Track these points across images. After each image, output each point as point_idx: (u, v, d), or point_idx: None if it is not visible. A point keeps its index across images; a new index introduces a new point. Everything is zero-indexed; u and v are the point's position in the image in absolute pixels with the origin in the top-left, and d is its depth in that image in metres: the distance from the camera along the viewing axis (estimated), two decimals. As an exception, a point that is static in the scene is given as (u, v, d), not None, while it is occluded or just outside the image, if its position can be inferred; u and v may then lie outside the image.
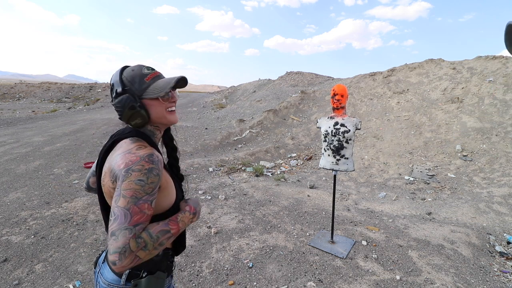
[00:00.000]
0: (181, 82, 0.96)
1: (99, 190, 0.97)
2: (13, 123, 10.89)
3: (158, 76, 0.96)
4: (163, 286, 0.98)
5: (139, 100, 0.91)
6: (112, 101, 0.95)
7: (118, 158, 0.85)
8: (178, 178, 1.11)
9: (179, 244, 1.07)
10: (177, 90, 1.04)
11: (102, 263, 1.00)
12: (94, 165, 1.12)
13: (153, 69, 0.97)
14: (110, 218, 0.78)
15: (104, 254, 1.04)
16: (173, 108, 0.99)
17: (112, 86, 0.94)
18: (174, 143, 1.14)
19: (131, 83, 0.92)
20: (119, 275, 0.92)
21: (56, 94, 23.21)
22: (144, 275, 0.92)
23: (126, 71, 0.95)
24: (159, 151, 0.97)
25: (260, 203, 4.17)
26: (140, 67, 0.95)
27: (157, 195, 0.87)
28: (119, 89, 0.91)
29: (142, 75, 0.93)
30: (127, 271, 0.91)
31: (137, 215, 0.77)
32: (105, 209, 0.96)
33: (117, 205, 0.78)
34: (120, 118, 0.94)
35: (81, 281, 2.39)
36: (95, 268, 1.04)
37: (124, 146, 0.89)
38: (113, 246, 0.74)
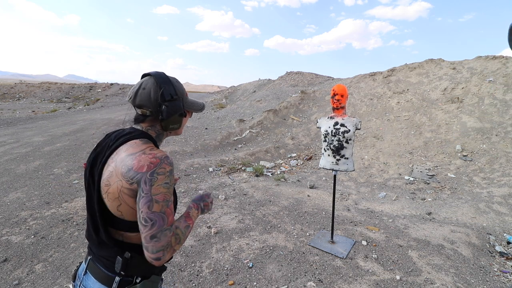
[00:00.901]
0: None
1: (90, 189, 0.93)
2: (13, 123, 10.89)
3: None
4: None
5: (185, 110, 1.04)
6: (160, 101, 0.96)
7: (130, 159, 0.85)
8: None
9: None
10: None
11: (84, 274, 0.96)
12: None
13: None
14: (142, 223, 0.81)
15: (83, 266, 0.99)
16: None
17: (160, 87, 0.96)
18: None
19: (181, 93, 1.03)
20: (108, 283, 0.90)
21: (56, 94, 23.21)
22: (137, 281, 0.91)
23: (173, 79, 1.02)
24: None
25: (260, 203, 4.17)
26: (178, 81, 1.07)
27: None
28: (174, 95, 0.99)
29: (184, 90, 1.06)
30: (118, 279, 0.90)
31: (171, 215, 0.85)
32: (100, 209, 0.90)
33: (152, 211, 0.81)
34: (161, 119, 0.97)
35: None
36: (73, 281, 0.99)
37: (135, 147, 0.89)
38: (156, 246, 0.80)
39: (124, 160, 0.86)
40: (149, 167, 0.83)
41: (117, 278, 0.89)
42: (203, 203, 1.09)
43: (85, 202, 3.87)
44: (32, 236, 3.05)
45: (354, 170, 2.99)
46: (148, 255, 0.80)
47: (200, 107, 1.12)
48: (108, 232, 0.91)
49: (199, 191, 4.56)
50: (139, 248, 0.88)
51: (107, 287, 0.90)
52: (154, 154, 0.86)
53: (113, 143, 0.93)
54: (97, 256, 0.94)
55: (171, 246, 0.83)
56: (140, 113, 0.99)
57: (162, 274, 1.07)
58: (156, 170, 0.83)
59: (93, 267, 0.94)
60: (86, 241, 3.05)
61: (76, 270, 1.01)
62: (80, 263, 1.02)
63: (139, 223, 0.82)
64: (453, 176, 5.47)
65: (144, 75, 1.02)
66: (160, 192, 0.82)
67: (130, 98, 0.99)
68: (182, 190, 4.59)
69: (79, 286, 0.95)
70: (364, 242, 3.11)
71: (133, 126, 1.01)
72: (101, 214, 0.90)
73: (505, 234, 3.49)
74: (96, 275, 0.92)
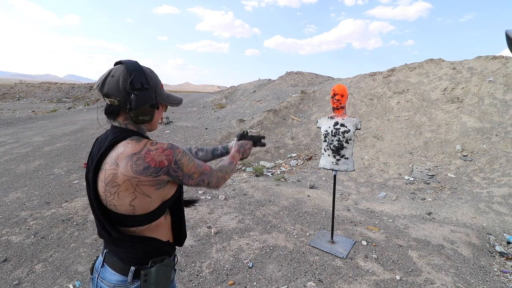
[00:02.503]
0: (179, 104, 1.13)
1: (92, 190, 0.93)
2: (13, 123, 10.90)
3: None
4: (171, 275, 0.99)
5: (157, 101, 0.97)
6: (129, 89, 0.89)
7: (140, 158, 0.86)
8: None
9: (177, 234, 1.08)
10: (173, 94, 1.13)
11: (101, 267, 0.99)
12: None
13: None
14: (201, 184, 1.02)
15: (100, 258, 1.02)
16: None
17: (130, 75, 0.89)
18: None
19: (154, 83, 0.96)
20: (125, 273, 0.93)
21: (56, 94, 23.22)
22: (153, 265, 0.93)
23: (146, 69, 0.95)
24: None
25: (260, 203, 4.17)
26: (153, 72, 1.00)
27: (167, 184, 0.95)
28: (146, 84, 0.91)
29: (159, 81, 1.01)
30: (133, 268, 0.93)
31: (204, 165, 1.03)
32: (103, 213, 0.91)
33: (195, 180, 0.99)
34: (129, 108, 0.89)
35: (81, 281, 2.39)
36: (91, 274, 1.03)
37: (132, 147, 0.88)
38: (213, 183, 1.06)
39: (129, 161, 0.85)
40: (169, 160, 0.89)
41: (132, 268, 0.93)
42: (243, 149, 1.33)
43: (85, 202, 3.88)
44: (32, 236, 3.05)
45: (354, 170, 2.99)
46: (213, 187, 1.08)
47: (176, 101, 1.06)
48: (118, 230, 0.93)
49: (199, 191, 4.54)
50: (152, 240, 0.96)
51: (124, 276, 0.94)
52: (161, 147, 0.90)
53: (101, 149, 0.91)
54: (113, 251, 0.97)
55: (222, 178, 1.10)
56: (108, 103, 0.91)
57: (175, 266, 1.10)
58: (175, 158, 0.91)
59: (110, 260, 0.97)
60: (86, 241, 3.05)
61: (94, 264, 1.05)
62: (97, 257, 1.06)
63: (195, 187, 0.99)
64: (453, 176, 5.47)
65: (116, 63, 0.95)
66: (190, 167, 0.96)
67: (97, 86, 0.92)
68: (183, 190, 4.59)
69: (97, 279, 0.99)
70: (364, 242, 3.10)
71: (112, 123, 0.96)
72: (106, 218, 0.91)
73: (505, 234, 3.49)
74: (113, 267, 0.96)
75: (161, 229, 0.99)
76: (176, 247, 1.09)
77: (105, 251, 1.01)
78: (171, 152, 0.90)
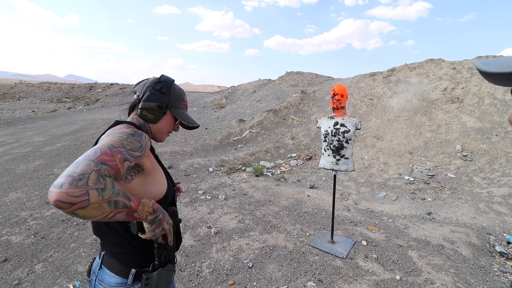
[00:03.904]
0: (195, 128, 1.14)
1: None
2: (13, 123, 10.90)
3: (187, 108, 1.14)
4: (171, 278, 0.99)
5: (166, 108, 1.02)
6: (149, 85, 1.00)
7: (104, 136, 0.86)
8: (171, 181, 1.10)
9: (176, 237, 1.06)
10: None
11: (99, 269, 0.98)
12: None
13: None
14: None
15: (97, 260, 1.01)
16: (168, 135, 1.12)
17: (159, 82, 1.01)
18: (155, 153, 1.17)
19: (173, 96, 1.04)
20: (125, 275, 0.92)
21: (56, 94, 23.21)
22: (154, 268, 0.92)
23: (176, 85, 1.07)
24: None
25: (260, 203, 4.17)
26: (183, 92, 1.11)
27: (144, 179, 0.89)
28: (165, 90, 1.01)
29: (183, 99, 1.09)
30: (133, 270, 0.92)
31: (107, 156, 0.71)
32: None
33: (93, 148, 0.74)
34: (139, 99, 0.99)
35: (81, 281, 2.39)
36: (88, 276, 1.01)
37: (112, 129, 0.90)
38: (70, 170, 0.63)
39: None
40: (110, 132, 0.85)
41: (133, 270, 0.93)
42: (162, 216, 0.85)
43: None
44: (32, 236, 3.05)
45: (354, 170, 2.99)
46: (56, 181, 0.62)
47: (189, 122, 1.08)
48: (113, 228, 0.93)
49: (199, 191, 4.55)
50: (151, 242, 0.92)
51: (124, 279, 0.93)
52: (124, 129, 0.86)
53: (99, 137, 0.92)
54: (111, 252, 0.96)
55: (86, 182, 0.62)
56: (134, 98, 1.03)
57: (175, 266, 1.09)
58: (114, 132, 0.84)
59: (108, 262, 0.96)
60: (86, 241, 3.05)
61: (91, 266, 1.03)
62: (94, 258, 1.05)
63: None
64: (453, 176, 5.47)
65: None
66: (108, 139, 0.78)
67: (134, 86, 1.05)
68: (183, 190, 4.59)
69: (95, 281, 0.97)
70: (364, 242, 3.10)
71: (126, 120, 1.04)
72: None
73: (505, 234, 3.49)
74: (112, 269, 0.95)
75: None
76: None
77: (102, 253, 0.99)
78: (121, 128, 0.87)
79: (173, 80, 1.05)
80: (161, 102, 0.98)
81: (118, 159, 0.73)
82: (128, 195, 0.74)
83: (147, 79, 1.04)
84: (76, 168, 0.64)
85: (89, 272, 1.02)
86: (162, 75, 1.05)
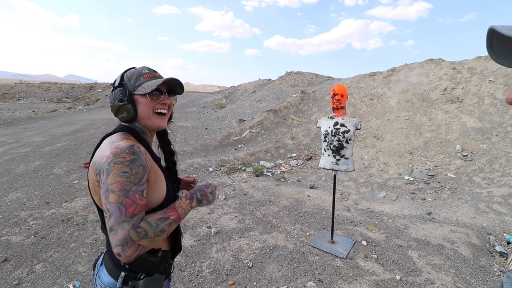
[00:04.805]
0: (176, 86, 0.99)
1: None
2: (13, 123, 10.90)
3: (155, 76, 0.97)
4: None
5: (129, 95, 0.92)
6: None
7: (100, 152, 0.86)
8: (175, 181, 1.11)
9: (174, 246, 1.05)
10: (177, 96, 1.06)
11: (100, 265, 0.99)
12: None
13: (154, 70, 0.99)
14: (105, 215, 0.77)
15: (102, 256, 1.03)
16: (162, 111, 0.96)
17: (114, 82, 0.98)
18: (172, 147, 1.13)
19: (128, 79, 0.95)
20: (116, 277, 0.92)
21: (56, 94, 23.21)
22: (142, 277, 0.91)
23: (130, 69, 0.99)
24: (150, 149, 0.97)
25: (260, 203, 4.17)
26: (142, 67, 0.99)
27: (147, 189, 0.87)
28: (116, 83, 0.95)
29: (141, 73, 0.96)
30: (123, 274, 0.91)
31: (131, 206, 0.77)
32: (98, 208, 0.94)
33: (108, 201, 0.77)
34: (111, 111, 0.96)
35: (81, 281, 2.39)
36: (93, 270, 1.04)
37: (108, 140, 0.89)
38: (114, 240, 0.74)
39: (97, 154, 0.87)
40: (108, 158, 0.80)
41: (122, 273, 0.92)
42: (199, 193, 0.97)
43: (84, 202, 3.88)
44: (32, 236, 3.05)
45: (354, 170, 2.99)
46: (113, 250, 0.75)
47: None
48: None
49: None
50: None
51: (114, 280, 0.92)
52: (117, 145, 0.82)
53: (99, 143, 0.94)
54: (109, 251, 0.97)
55: (132, 241, 0.74)
56: None
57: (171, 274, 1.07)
58: (113, 160, 0.79)
59: (106, 260, 0.97)
60: (86, 241, 3.05)
61: (97, 260, 1.05)
62: (102, 253, 1.06)
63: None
64: (453, 176, 5.47)
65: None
66: (116, 182, 0.77)
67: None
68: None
69: (96, 275, 0.99)
70: (364, 242, 3.10)
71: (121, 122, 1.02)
72: (99, 210, 0.93)
73: (505, 234, 3.49)
74: (107, 268, 0.95)
75: None
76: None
77: (105, 250, 1.01)
78: (117, 152, 0.80)
79: (126, 69, 0.98)
80: (120, 95, 0.91)
81: (138, 199, 0.80)
82: (165, 215, 0.85)
83: None
84: (117, 236, 0.74)
85: (94, 266, 1.04)
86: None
